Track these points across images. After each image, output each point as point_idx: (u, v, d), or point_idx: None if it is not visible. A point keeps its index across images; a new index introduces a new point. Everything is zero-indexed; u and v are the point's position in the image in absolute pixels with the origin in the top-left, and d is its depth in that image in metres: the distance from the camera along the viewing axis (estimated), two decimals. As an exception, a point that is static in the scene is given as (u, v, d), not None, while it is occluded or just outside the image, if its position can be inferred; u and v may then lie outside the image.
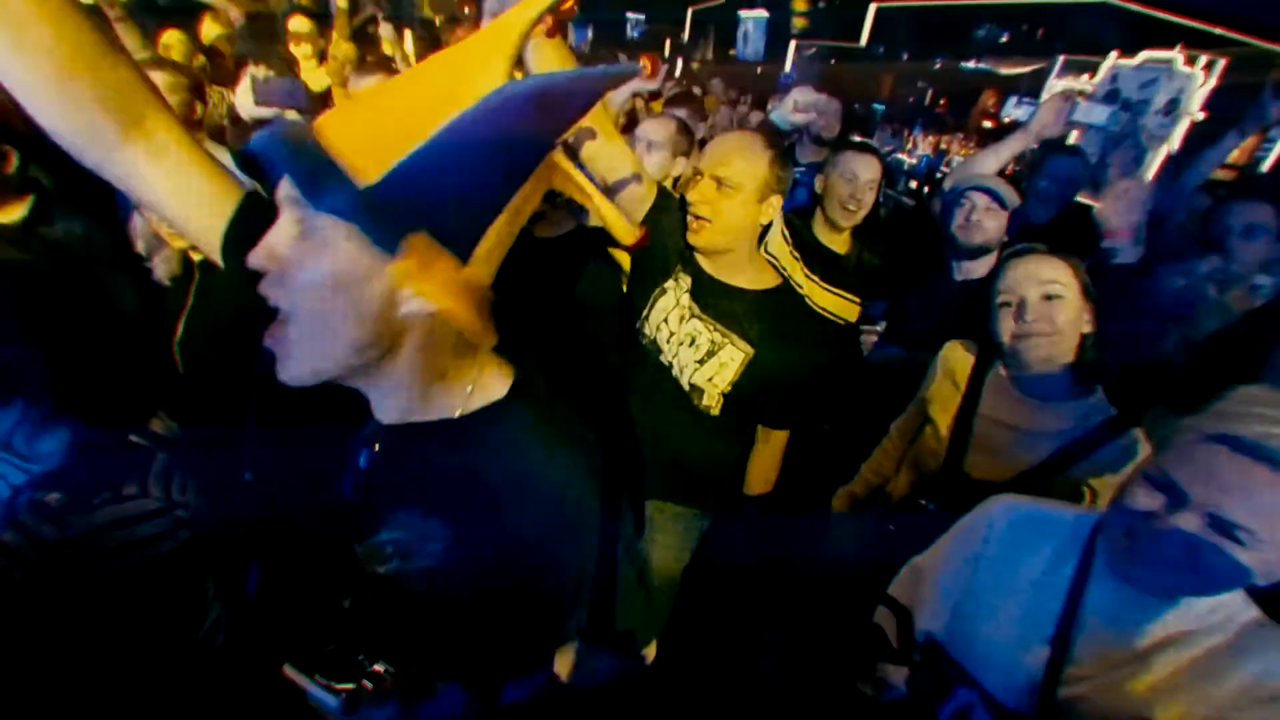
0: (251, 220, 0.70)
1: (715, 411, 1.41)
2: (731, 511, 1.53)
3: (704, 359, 1.39)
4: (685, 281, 1.44)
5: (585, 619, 0.74)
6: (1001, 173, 2.09)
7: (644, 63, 0.75)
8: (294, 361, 0.60)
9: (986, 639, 0.95)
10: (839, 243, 2.00)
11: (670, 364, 1.43)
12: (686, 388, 1.41)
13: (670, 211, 1.40)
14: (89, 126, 0.63)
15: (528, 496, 0.66)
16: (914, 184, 4.71)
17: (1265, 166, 3.18)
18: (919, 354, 1.81)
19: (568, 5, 0.77)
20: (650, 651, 0.77)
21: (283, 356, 0.60)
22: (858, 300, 2.02)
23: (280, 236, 0.57)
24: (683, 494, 1.53)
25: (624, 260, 1.92)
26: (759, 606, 1.52)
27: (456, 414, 0.67)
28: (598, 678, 0.73)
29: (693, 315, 1.41)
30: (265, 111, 1.88)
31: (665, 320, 1.44)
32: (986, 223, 1.80)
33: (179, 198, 0.70)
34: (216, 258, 0.74)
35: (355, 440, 0.79)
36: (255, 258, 0.57)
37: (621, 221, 0.72)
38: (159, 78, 1.85)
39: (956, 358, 1.50)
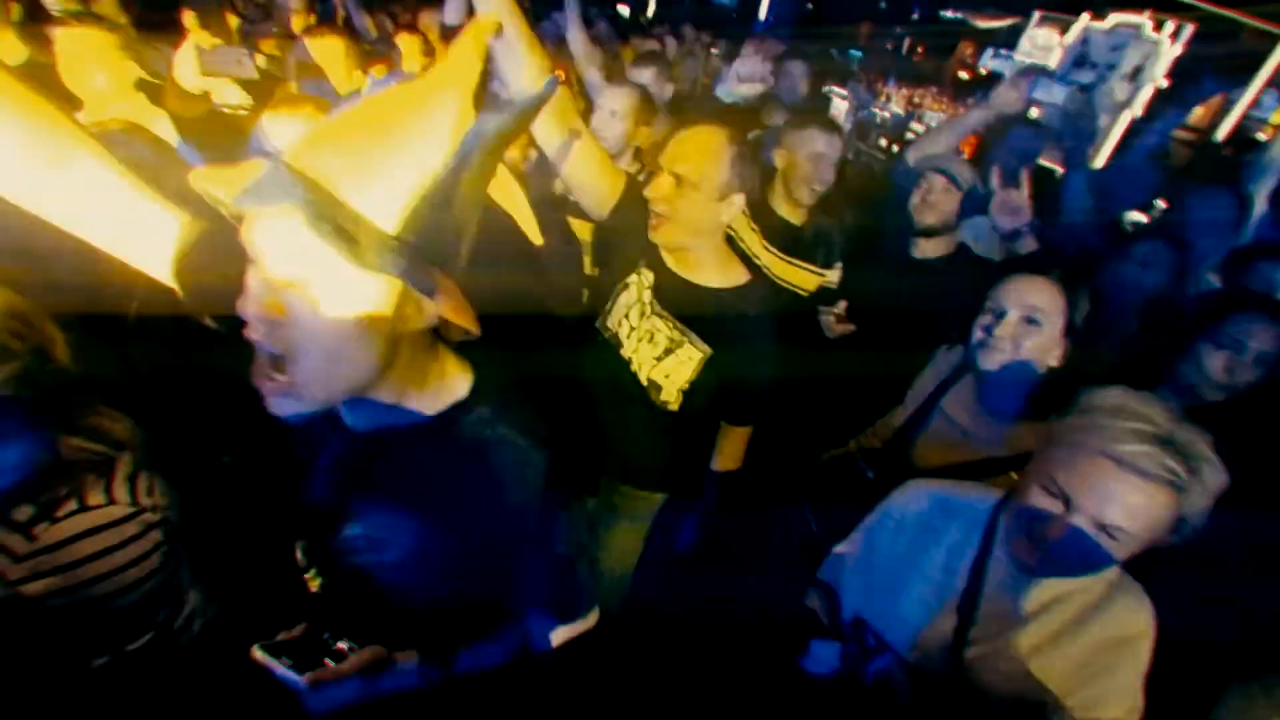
0: (203, 248, 0.73)
1: (674, 407, 1.43)
2: (691, 497, 1.60)
3: (662, 356, 1.40)
4: (647, 277, 1.44)
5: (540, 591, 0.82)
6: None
7: (557, 72, 0.77)
8: (300, 398, 0.63)
9: (903, 611, 1.08)
10: (797, 215, 2.04)
11: (630, 359, 1.45)
12: (645, 383, 1.43)
13: (639, 204, 1.40)
14: (20, 166, 0.64)
15: (490, 489, 0.73)
16: (884, 141, 4.72)
17: (1221, 134, 3.28)
18: (874, 332, 1.91)
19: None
20: (592, 618, 0.86)
21: (284, 394, 0.63)
22: (818, 271, 2.09)
23: (278, 287, 0.59)
24: (642, 481, 1.59)
25: (584, 233, 1.95)
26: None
27: (427, 414, 0.73)
28: (545, 644, 0.83)
29: (653, 312, 1.42)
30: (212, 81, 1.81)
31: (626, 315, 1.46)
32: (943, 204, 1.87)
33: (119, 230, 0.71)
34: (172, 285, 0.76)
35: (322, 444, 0.84)
36: (253, 310, 0.59)
37: None
38: (88, 34, 1.76)
39: (945, 358, 1.58)
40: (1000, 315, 1.33)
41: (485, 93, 0.63)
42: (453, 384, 0.76)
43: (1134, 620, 0.99)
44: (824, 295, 2.11)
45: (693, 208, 1.31)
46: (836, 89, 5.52)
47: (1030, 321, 1.31)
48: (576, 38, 2.54)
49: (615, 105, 2.08)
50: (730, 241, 1.73)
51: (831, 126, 1.95)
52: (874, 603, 1.11)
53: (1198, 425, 0.87)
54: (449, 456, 0.73)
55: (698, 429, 1.51)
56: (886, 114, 5.23)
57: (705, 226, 1.36)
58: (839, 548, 1.21)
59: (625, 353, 1.45)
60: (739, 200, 1.35)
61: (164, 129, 1.75)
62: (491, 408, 0.77)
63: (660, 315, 1.41)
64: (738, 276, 1.44)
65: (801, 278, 2.07)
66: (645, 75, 2.58)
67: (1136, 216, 3.34)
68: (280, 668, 0.70)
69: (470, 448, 0.73)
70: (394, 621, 0.80)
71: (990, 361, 1.34)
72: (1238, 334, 1.43)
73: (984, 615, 1.03)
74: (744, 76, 2.43)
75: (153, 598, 0.98)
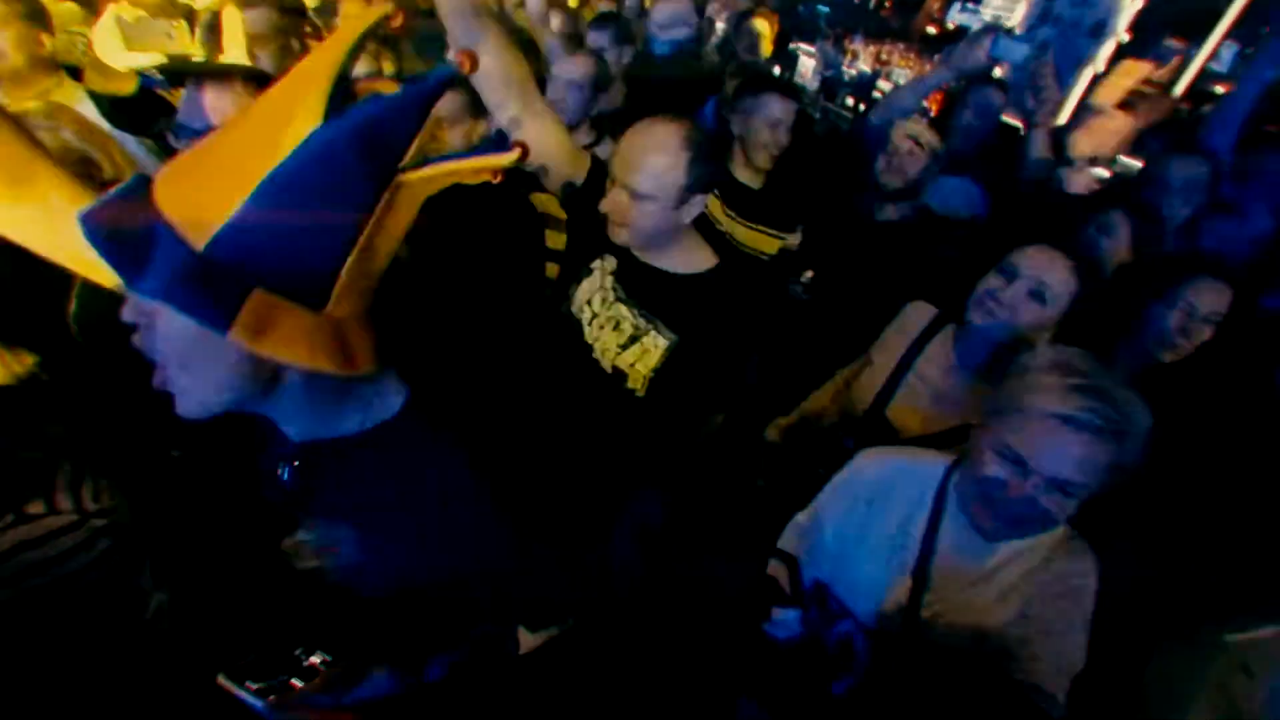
0: None
1: (641, 393, 1.40)
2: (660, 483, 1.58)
3: (626, 344, 1.37)
4: (610, 262, 1.40)
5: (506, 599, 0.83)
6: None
7: (461, 59, 0.71)
8: (182, 401, 0.63)
9: (861, 576, 1.12)
10: (756, 179, 2.03)
11: (592, 344, 1.42)
12: (609, 370, 1.40)
13: (601, 188, 1.35)
14: None
15: (426, 502, 0.73)
16: (851, 100, 4.69)
17: (1179, 89, 3.32)
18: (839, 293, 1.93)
19: (396, 23, 0.72)
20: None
21: (175, 395, 0.63)
22: (778, 235, 2.09)
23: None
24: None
25: (552, 207, 1.91)
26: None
27: (355, 430, 0.73)
28: (515, 647, 0.85)
29: (616, 298, 1.38)
30: (142, 58, 1.70)
31: (589, 301, 1.42)
32: (908, 166, 1.88)
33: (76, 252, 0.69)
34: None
35: (273, 451, 0.83)
36: (127, 313, 0.59)
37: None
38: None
39: (916, 313, 1.59)
40: (1011, 278, 1.34)
41: (340, 94, 0.57)
42: (385, 402, 0.75)
43: (1080, 574, 1.05)
44: (785, 259, 2.12)
45: (649, 219, 1.26)
46: (804, 46, 5.44)
47: (1036, 296, 1.32)
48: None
49: (574, 75, 2.02)
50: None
51: (788, 90, 1.93)
52: (833, 568, 1.15)
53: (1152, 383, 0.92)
54: (381, 471, 0.74)
55: (666, 415, 1.46)
56: (854, 71, 5.18)
57: (664, 231, 1.31)
58: (798, 516, 1.25)
59: (588, 338, 1.42)
60: (701, 200, 1.29)
61: (91, 111, 1.66)
62: (427, 423, 0.76)
63: (624, 302, 1.37)
64: (705, 261, 1.39)
65: (763, 242, 2.07)
66: (603, 38, 2.51)
67: (1099, 172, 3.39)
68: (243, 693, 0.70)
69: (400, 463, 0.73)
70: (353, 627, 0.81)
71: (982, 319, 1.36)
72: (1188, 296, 1.47)
73: (937, 577, 1.07)
74: (663, 23, 2.36)
75: (111, 605, 0.96)
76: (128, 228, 0.53)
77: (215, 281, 0.54)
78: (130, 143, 1.62)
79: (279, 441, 0.79)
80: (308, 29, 2.55)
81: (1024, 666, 1.05)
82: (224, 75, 1.38)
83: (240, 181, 0.55)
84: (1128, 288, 1.62)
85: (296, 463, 0.78)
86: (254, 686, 0.68)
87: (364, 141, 0.57)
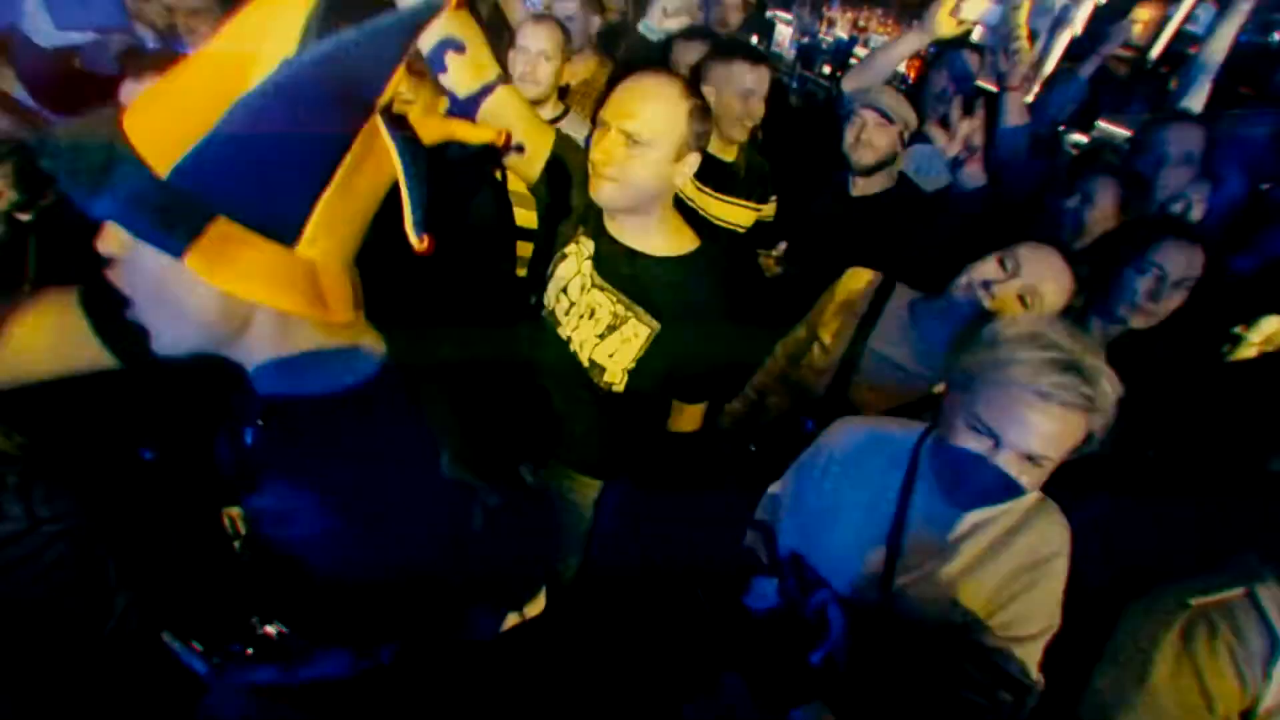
0: None
1: (619, 389, 1.35)
2: (640, 481, 1.56)
3: (604, 334, 1.31)
4: (587, 246, 1.33)
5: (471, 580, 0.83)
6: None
7: None
8: (155, 340, 0.63)
9: (836, 545, 1.14)
10: (729, 151, 2.01)
11: (569, 338, 1.35)
12: (586, 364, 1.34)
13: (574, 162, 1.30)
14: None
15: (393, 472, 0.72)
16: (828, 68, 4.64)
17: (1155, 51, 3.33)
18: (814, 269, 1.93)
19: None
20: (537, 605, 0.88)
21: (149, 333, 0.63)
22: (753, 206, 2.07)
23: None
24: (591, 467, 1.52)
25: (520, 184, 1.88)
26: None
27: (328, 389, 0.71)
28: (485, 631, 0.85)
29: (594, 285, 1.32)
30: (74, 35, 1.60)
31: (564, 290, 1.36)
32: (877, 140, 1.86)
33: None
34: None
35: (236, 410, 0.81)
36: (101, 244, 0.59)
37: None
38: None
39: (858, 284, 1.55)
40: (1012, 274, 1.29)
41: (319, 22, 0.56)
42: (362, 359, 0.73)
43: (1051, 539, 1.08)
44: (761, 230, 2.10)
45: (645, 169, 1.19)
46: (781, 13, 5.36)
47: (1022, 299, 1.29)
48: None
49: (542, 44, 1.97)
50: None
51: (758, 58, 1.89)
52: (808, 539, 1.17)
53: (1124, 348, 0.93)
54: (351, 433, 0.72)
55: (646, 409, 1.42)
56: (831, 38, 5.13)
57: (656, 189, 1.23)
58: (773, 488, 1.26)
59: (564, 331, 1.36)
60: (694, 160, 1.23)
61: (21, 94, 1.58)
62: (402, 387, 0.74)
63: (602, 288, 1.31)
64: (688, 243, 1.33)
65: (738, 215, 2.05)
66: (571, 6, 2.44)
67: (1078, 138, 3.41)
68: (184, 652, 0.69)
69: (373, 427, 0.72)
70: (313, 600, 0.80)
71: (966, 301, 1.33)
72: (1159, 260, 1.49)
73: (910, 546, 1.09)
74: (671, 10, 2.31)
75: (74, 609, 0.95)
76: (88, 149, 0.52)
77: (175, 208, 0.53)
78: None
79: (248, 399, 0.77)
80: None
81: (997, 634, 1.07)
82: None
83: (207, 108, 0.54)
84: (1102, 253, 1.63)
85: (261, 421, 0.76)
86: (198, 647, 0.67)
87: (338, 70, 0.55)
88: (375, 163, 0.61)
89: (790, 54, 5.03)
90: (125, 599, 1.08)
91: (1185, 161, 2.01)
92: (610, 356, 1.32)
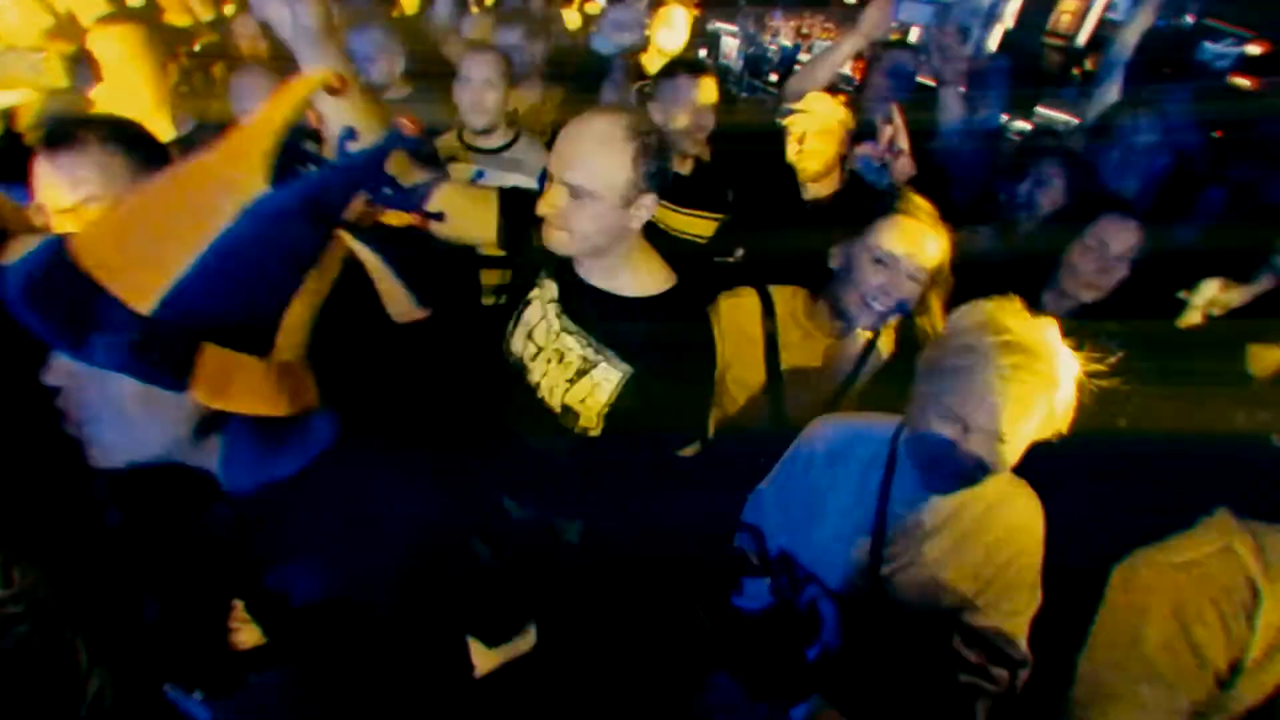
0: None
1: (596, 432, 1.26)
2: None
3: (574, 379, 1.24)
4: (550, 289, 1.29)
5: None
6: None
7: (404, 122, 0.74)
8: (104, 455, 0.63)
9: (823, 540, 1.17)
10: (685, 165, 2.06)
11: (537, 384, 1.29)
12: (558, 410, 1.27)
13: (528, 209, 1.23)
14: None
15: (365, 535, 0.74)
16: (775, 75, 4.80)
17: (1082, 39, 3.52)
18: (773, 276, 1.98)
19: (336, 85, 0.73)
20: (527, 640, 0.90)
21: (94, 448, 0.63)
22: (713, 216, 2.12)
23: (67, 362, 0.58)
24: (570, 511, 1.43)
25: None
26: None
27: (295, 469, 0.74)
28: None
29: (561, 328, 1.26)
30: (7, 95, 1.58)
31: (530, 335, 1.31)
32: (818, 146, 1.93)
33: None
34: None
35: (205, 504, 0.82)
36: (51, 377, 0.60)
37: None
38: None
39: (746, 313, 1.50)
40: (891, 269, 1.35)
41: (282, 158, 0.60)
42: (319, 429, 0.76)
43: (1025, 516, 1.13)
44: (723, 238, 2.15)
45: (592, 221, 1.13)
46: (724, 25, 5.52)
47: (912, 278, 1.35)
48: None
49: (485, 73, 2.02)
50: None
51: (700, 70, 1.96)
52: (796, 536, 1.20)
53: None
54: (326, 500, 0.74)
55: (626, 451, 1.30)
56: (775, 47, 5.30)
57: (609, 237, 1.17)
58: (760, 486, 1.29)
59: (533, 377, 1.30)
60: (650, 200, 1.17)
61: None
62: (362, 453, 0.78)
63: (570, 332, 1.25)
64: (660, 282, 1.25)
65: (697, 226, 2.11)
66: (513, 35, 2.50)
67: (1020, 124, 3.56)
68: (190, 701, 0.70)
69: (346, 488, 0.75)
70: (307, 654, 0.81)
71: (878, 310, 1.38)
72: (1101, 236, 1.58)
73: (894, 535, 1.13)
74: (620, 24, 2.39)
75: (41, 692, 0.92)
76: (63, 297, 0.54)
77: (165, 343, 0.56)
78: (20, 195, 1.52)
79: (212, 494, 0.78)
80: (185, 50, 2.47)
81: (983, 613, 1.11)
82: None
83: (183, 244, 0.56)
84: (1050, 234, 1.72)
85: (234, 512, 0.77)
86: (201, 695, 0.68)
87: (313, 206, 0.61)
88: (331, 260, 0.67)
89: (738, 64, 5.18)
90: (100, 679, 1.05)
91: (1136, 147, 2.15)
92: (583, 401, 1.25)
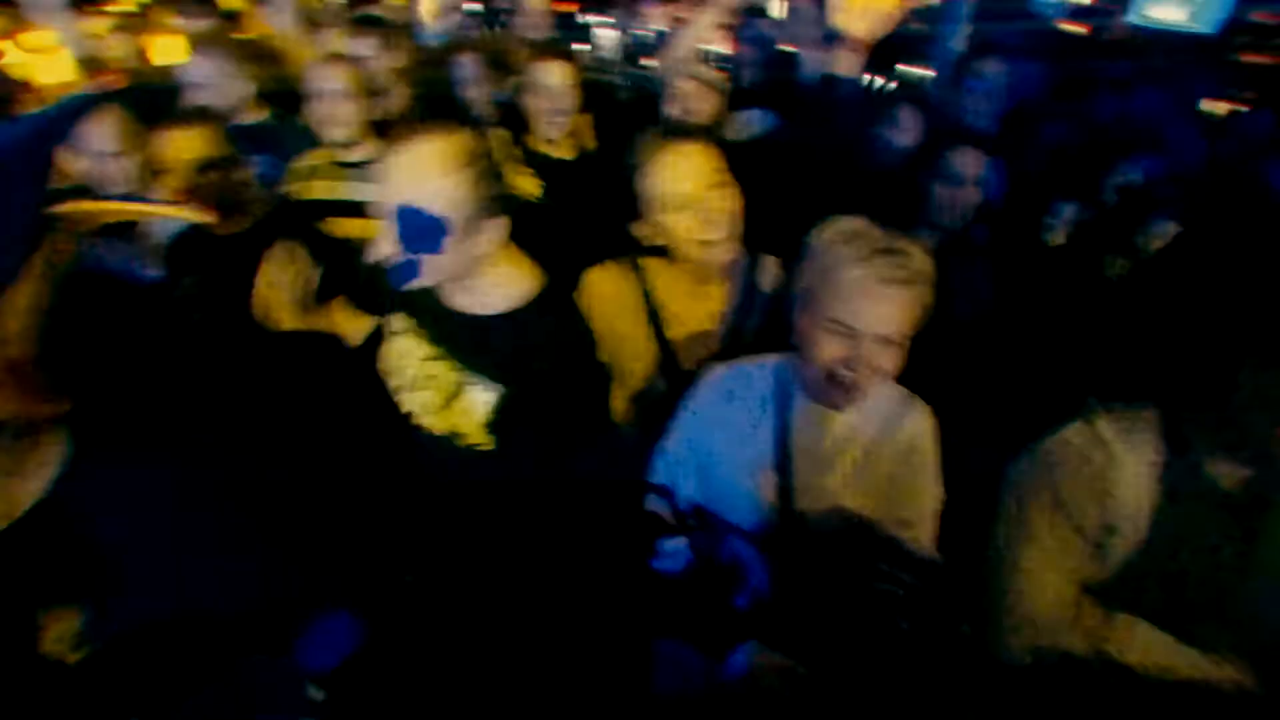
0: None
1: (488, 446, 1.21)
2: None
3: (447, 403, 1.20)
4: (403, 320, 1.25)
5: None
6: None
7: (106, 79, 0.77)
8: None
9: (730, 486, 1.20)
10: (567, 149, 2.07)
11: (415, 410, 1.25)
12: (443, 434, 1.22)
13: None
14: None
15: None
16: (654, 60, 4.88)
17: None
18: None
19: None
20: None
21: None
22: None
23: None
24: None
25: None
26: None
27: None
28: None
29: (428, 354, 1.21)
30: None
31: (402, 360, 1.26)
32: (701, 105, 1.99)
33: None
34: None
35: None
36: None
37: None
38: None
39: (619, 286, 1.46)
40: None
41: None
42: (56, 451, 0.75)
43: (920, 424, 1.19)
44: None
45: (435, 254, 1.06)
46: (598, 18, 5.57)
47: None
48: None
49: (337, 84, 1.95)
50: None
51: (560, 53, 1.97)
52: (704, 486, 1.23)
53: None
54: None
55: (524, 457, 1.23)
56: (651, 32, 5.38)
57: (459, 266, 1.10)
58: (662, 445, 1.30)
59: (410, 404, 1.26)
60: (498, 224, 1.10)
61: None
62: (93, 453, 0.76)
63: (437, 357, 1.20)
64: (526, 289, 1.18)
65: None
66: (366, 45, 2.43)
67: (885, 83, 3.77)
68: None
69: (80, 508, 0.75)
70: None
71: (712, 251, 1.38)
72: (954, 166, 1.70)
73: (798, 467, 1.17)
74: (436, 11, 2.37)
75: None
76: None
77: None
78: None
79: None
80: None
81: (893, 525, 1.17)
82: None
83: None
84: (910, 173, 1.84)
85: None
86: None
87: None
88: (61, 250, 0.64)
89: (616, 54, 5.24)
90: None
91: (984, 89, 2.35)
92: (460, 422, 1.20)
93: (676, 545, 1.24)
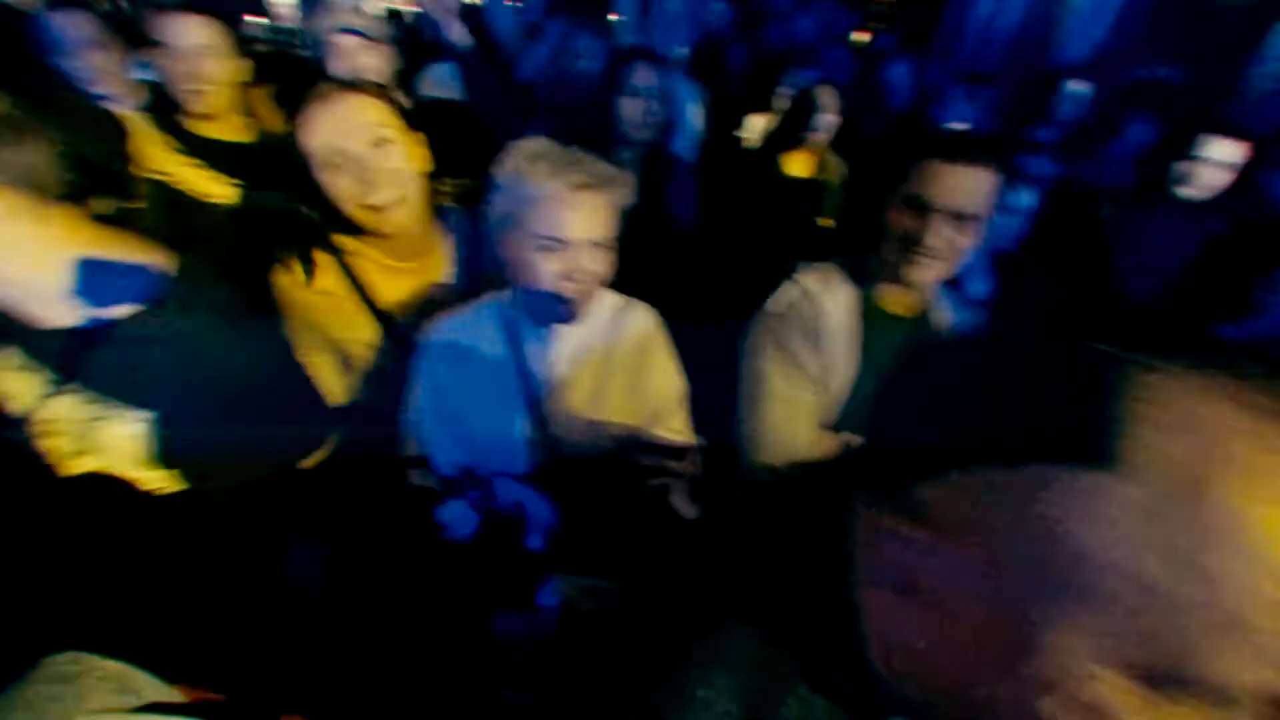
0: None
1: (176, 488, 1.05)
2: None
3: (77, 454, 1.00)
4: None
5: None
6: None
7: None
8: None
9: (491, 434, 1.17)
10: (233, 129, 1.79)
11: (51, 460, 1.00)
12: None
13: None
14: None
15: None
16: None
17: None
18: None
19: None
20: None
21: None
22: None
23: None
24: None
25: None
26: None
27: None
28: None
29: (41, 390, 0.98)
30: None
31: (17, 405, 0.99)
32: (367, 62, 1.85)
33: None
34: None
35: None
36: None
37: None
38: None
39: (294, 279, 1.27)
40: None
41: None
42: None
43: (644, 326, 1.26)
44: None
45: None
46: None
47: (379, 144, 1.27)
48: None
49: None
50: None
51: (176, 6, 1.65)
52: (462, 443, 1.18)
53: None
54: None
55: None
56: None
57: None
58: (405, 416, 1.23)
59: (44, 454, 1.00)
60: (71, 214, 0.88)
61: None
62: None
63: (57, 393, 1.00)
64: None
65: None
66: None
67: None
68: None
69: None
70: None
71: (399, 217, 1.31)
72: (634, 81, 1.80)
73: (546, 395, 1.18)
74: None
75: None
76: None
77: None
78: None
79: None
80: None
81: (648, 421, 1.24)
82: None
83: None
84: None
85: None
86: None
87: None
88: None
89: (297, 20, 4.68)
90: None
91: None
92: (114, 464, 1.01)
93: (456, 509, 1.18)
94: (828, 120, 2.24)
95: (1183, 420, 0.30)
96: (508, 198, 1.07)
